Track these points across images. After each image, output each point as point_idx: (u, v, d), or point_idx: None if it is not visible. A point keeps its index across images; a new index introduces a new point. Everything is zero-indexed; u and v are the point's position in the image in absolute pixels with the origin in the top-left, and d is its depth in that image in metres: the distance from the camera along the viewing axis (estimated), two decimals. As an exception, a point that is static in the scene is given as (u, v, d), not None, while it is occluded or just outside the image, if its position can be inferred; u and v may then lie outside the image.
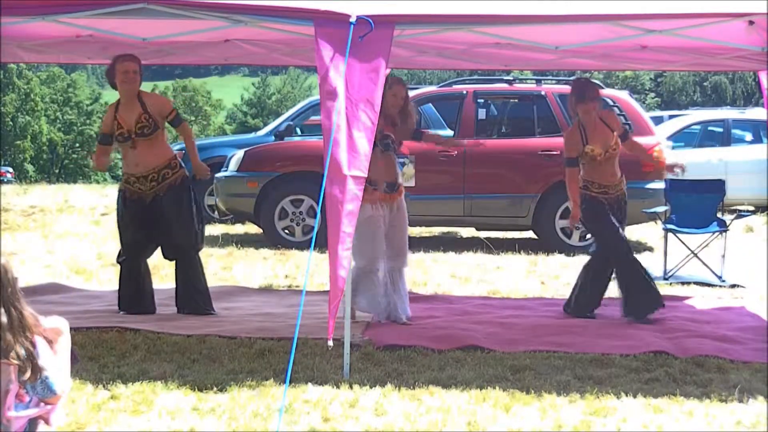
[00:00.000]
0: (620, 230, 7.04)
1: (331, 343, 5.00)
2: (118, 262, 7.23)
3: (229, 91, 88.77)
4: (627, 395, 4.92)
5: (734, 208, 11.85)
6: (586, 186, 7.01)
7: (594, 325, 6.74)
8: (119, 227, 7.17)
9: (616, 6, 5.39)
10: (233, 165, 11.58)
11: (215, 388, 4.97)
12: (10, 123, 66.11)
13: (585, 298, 7.12)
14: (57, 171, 67.53)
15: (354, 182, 4.88)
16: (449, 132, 11.27)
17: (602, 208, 6.98)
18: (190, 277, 7.16)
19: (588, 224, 7.21)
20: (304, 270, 8.99)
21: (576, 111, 7.02)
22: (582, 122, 6.98)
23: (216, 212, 13.30)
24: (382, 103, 6.23)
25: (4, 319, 3.53)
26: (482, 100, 11.28)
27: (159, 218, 6.96)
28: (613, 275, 7.09)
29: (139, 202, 6.96)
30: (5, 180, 37.39)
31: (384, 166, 6.67)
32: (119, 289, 7.17)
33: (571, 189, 7.01)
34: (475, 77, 13.21)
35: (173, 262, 7.28)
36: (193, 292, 7.14)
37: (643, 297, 6.94)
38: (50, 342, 3.74)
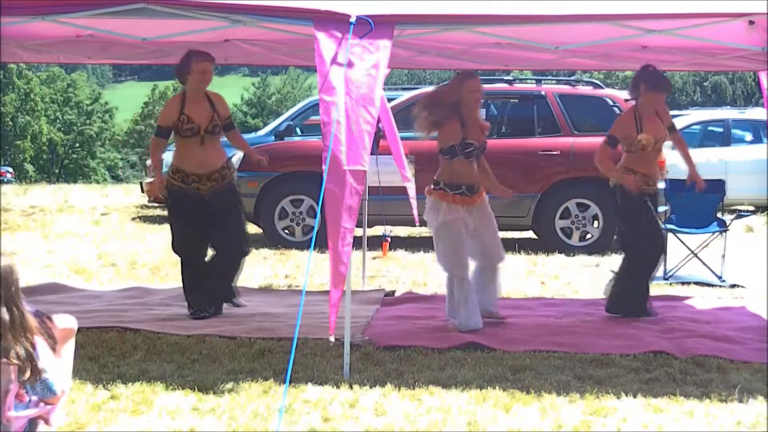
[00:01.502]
0: (659, 225, 7.00)
1: (332, 338, 5.00)
2: (174, 249, 7.11)
3: (229, 91, 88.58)
4: (627, 395, 4.92)
5: (734, 208, 11.85)
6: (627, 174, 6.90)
7: (594, 325, 6.74)
8: (173, 224, 7.08)
9: (616, 6, 5.40)
10: (234, 164, 11.57)
11: (215, 388, 4.97)
12: (10, 123, 66.11)
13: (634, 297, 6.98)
14: (57, 171, 67.53)
15: (353, 177, 4.87)
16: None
17: (642, 198, 6.86)
18: (230, 276, 7.20)
19: (625, 215, 6.98)
20: (304, 270, 9.00)
21: (641, 97, 6.87)
22: (640, 110, 6.89)
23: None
24: (461, 105, 6.33)
25: (6, 317, 3.54)
26: (482, 100, 11.26)
27: (213, 216, 6.90)
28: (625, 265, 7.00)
29: (198, 199, 6.87)
30: (5, 180, 37.39)
31: (463, 170, 6.49)
32: (187, 294, 7.05)
33: (605, 165, 6.85)
34: (475, 77, 13.19)
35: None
36: (228, 290, 7.18)
37: (642, 301, 6.94)
38: (55, 342, 3.75)
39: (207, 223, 6.93)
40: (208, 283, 7.02)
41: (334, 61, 4.95)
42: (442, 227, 6.41)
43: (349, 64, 4.93)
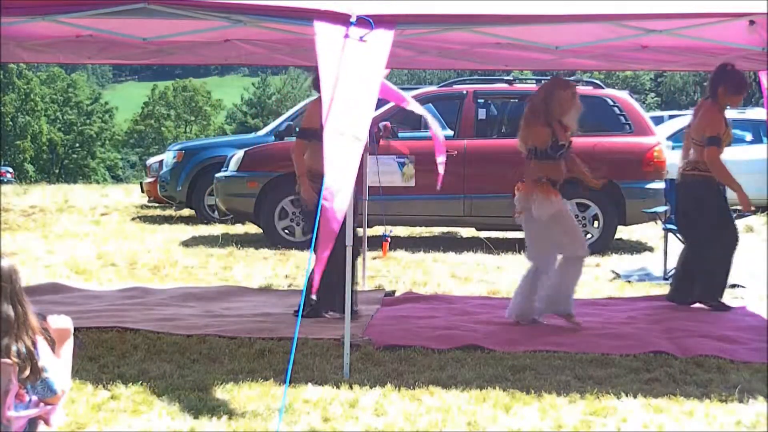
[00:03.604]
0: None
1: (314, 297, 4.84)
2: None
3: (229, 91, 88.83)
4: (627, 395, 4.92)
5: (734, 208, 11.84)
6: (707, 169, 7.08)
7: (594, 325, 6.74)
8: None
9: (616, 6, 5.39)
10: (233, 165, 11.59)
11: (215, 388, 4.96)
12: (10, 123, 66.17)
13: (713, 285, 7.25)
14: (57, 171, 67.59)
15: (334, 224, 4.79)
16: (449, 132, 11.27)
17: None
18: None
19: (711, 209, 7.22)
20: (304, 270, 8.99)
21: (723, 98, 7.01)
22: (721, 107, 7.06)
23: (216, 212, 13.31)
24: (552, 108, 6.52)
25: (11, 313, 3.54)
26: (482, 100, 11.29)
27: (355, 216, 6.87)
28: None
29: None
30: (5, 180, 37.42)
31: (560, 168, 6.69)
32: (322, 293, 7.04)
33: (722, 171, 7.03)
34: (475, 77, 13.20)
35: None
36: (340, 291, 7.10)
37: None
38: (54, 343, 3.75)
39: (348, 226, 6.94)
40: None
41: (334, 60, 4.94)
42: (558, 215, 6.60)
43: (350, 64, 4.92)
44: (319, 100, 6.96)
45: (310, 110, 6.97)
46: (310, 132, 6.84)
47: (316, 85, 7.04)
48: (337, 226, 4.52)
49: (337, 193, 4.54)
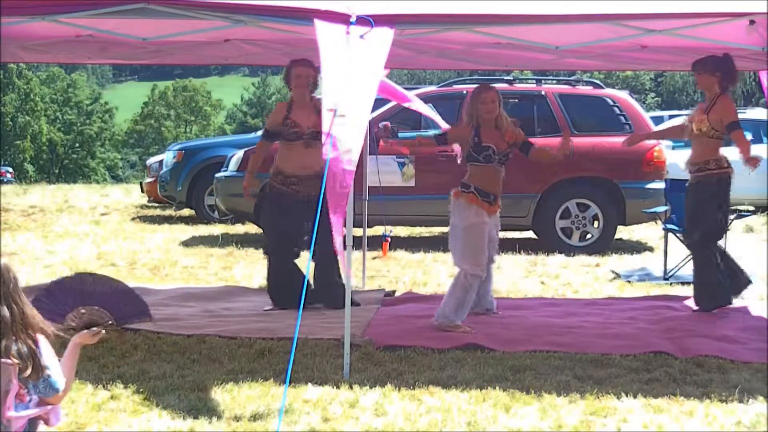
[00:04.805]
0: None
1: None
2: (265, 254, 7.35)
3: (229, 91, 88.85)
4: (627, 395, 4.92)
5: (734, 208, 11.83)
6: (718, 164, 7.09)
7: (594, 325, 6.74)
8: (267, 225, 7.33)
9: (616, 6, 5.39)
10: (233, 165, 11.58)
11: (215, 388, 4.97)
12: (10, 123, 66.16)
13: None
14: (57, 171, 67.58)
15: (347, 176, 4.83)
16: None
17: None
18: (326, 277, 7.28)
19: (714, 205, 7.13)
20: (304, 270, 8.98)
21: (728, 87, 6.99)
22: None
23: (216, 212, 13.31)
24: (477, 113, 6.48)
25: (7, 314, 3.54)
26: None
27: (309, 217, 6.90)
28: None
29: (293, 200, 7.03)
30: (5, 180, 37.41)
31: (488, 176, 6.60)
32: (270, 288, 7.28)
33: (744, 145, 7.01)
34: (475, 77, 13.20)
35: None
36: (335, 286, 7.18)
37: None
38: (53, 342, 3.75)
39: (299, 225, 7.06)
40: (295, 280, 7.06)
41: (334, 60, 4.93)
42: (469, 228, 6.50)
43: (350, 64, 4.92)
44: (284, 103, 7.14)
45: (274, 112, 7.21)
46: (271, 133, 7.17)
47: (287, 80, 7.14)
48: (350, 178, 4.59)
49: (346, 153, 4.61)
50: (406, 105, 8.78)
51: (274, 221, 7.22)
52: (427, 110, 8.96)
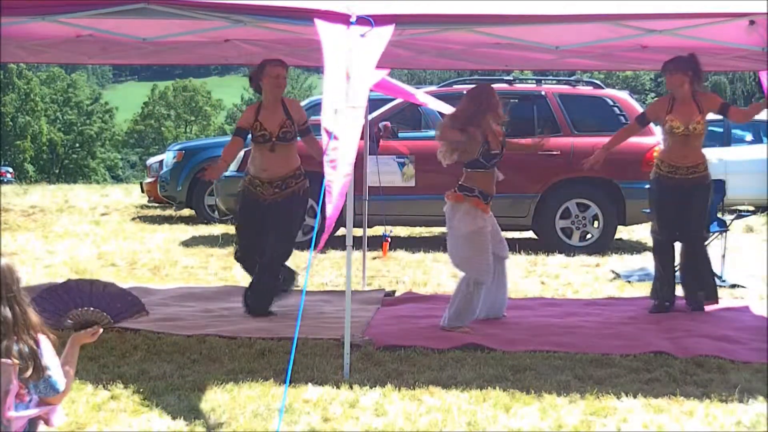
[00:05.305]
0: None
1: (319, 254, 4.80)
2: (235, 258, 7.30)
3: (229, 91, 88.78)
4: (627, 395, 4.93)
5: (734, 208, 11.84)
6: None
7: (594, 325, 6.74)
8: (236, 227, 7.28)
9: (616, 6, 5.39)
10: (233, 165, 11.56)
11: (215, 388, 4.97)
12: (10, 123, 66.14)
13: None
14: (57, 171, 67.57)
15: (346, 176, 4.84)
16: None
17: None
18: (260, 286, 7.15)
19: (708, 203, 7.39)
20: (304, 270, 8.99)
21: (697, 85, 7.09)
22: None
23: (216, 212, 13.31)
24: (486, 126, 6.54)
25: (9, 314, 3.54)
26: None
27: (270, 222, 6.93)
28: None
29: (256, 204, 6.98)
30: (5, 180, 37.41)
31: (488, 179, 6.63)
32: (245, 294, 7.17)
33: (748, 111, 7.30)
34: (475, 77, 13.19)
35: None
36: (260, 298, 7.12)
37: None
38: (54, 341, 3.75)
39: (263, 227, 6.99)
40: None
41: (335, 60, 4.93)
42: (476, 234, 6.49)
43: (350, 64, 4.92)
44: (254, 104, 7.06)
45: (245, 113, 7.12)
46: (240, 130, 7.04)
47: (255, 85, 7.07)
48: (347, 183, 4.58)
49: (342, 158, 4.59)
50: (413, 102, 8.75)
51: (239, 223, 7.15)
52: (434, 101, 8.94)
